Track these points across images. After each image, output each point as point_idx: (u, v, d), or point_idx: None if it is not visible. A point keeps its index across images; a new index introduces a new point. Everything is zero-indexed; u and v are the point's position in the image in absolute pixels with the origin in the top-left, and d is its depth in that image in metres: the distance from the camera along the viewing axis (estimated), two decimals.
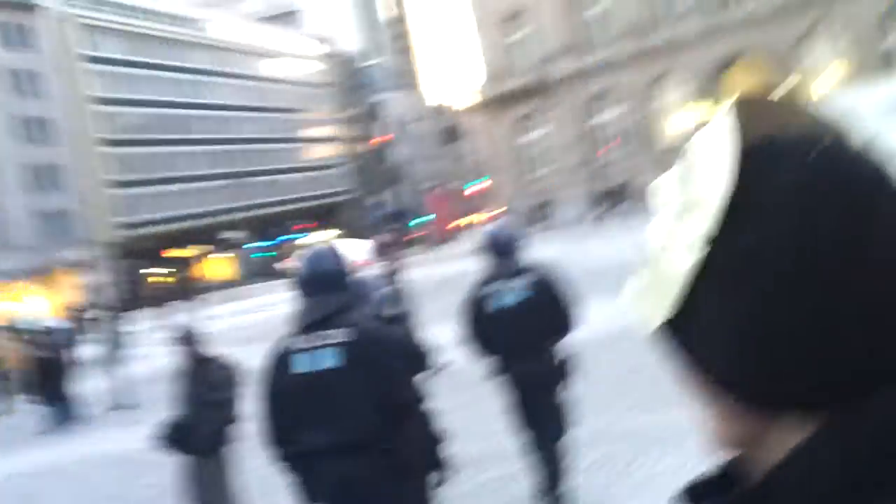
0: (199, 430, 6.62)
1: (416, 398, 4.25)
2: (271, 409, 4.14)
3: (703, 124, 0.72)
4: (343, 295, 4.16)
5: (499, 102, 50.57)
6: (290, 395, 4.07)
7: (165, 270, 71.89)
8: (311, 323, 4.07)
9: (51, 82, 65.29)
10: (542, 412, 6.02)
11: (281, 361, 4.09)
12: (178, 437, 6.72)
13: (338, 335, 4.00)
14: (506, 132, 50.90)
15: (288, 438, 4.10)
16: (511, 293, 5.86)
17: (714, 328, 0.69)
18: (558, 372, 6.00)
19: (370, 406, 3.98)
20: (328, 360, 3.98)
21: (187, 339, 6.83)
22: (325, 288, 4.11)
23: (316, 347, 4.00)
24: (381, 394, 4.00)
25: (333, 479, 4.03)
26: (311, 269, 4.19)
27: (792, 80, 39.57)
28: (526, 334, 5.82)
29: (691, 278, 0.68)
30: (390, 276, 12.12)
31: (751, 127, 0.70)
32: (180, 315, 32.30)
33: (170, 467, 7.24)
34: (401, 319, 10.48)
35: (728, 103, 0.72)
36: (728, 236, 0.67)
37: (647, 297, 0.72)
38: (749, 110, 0.71)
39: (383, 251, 35.28)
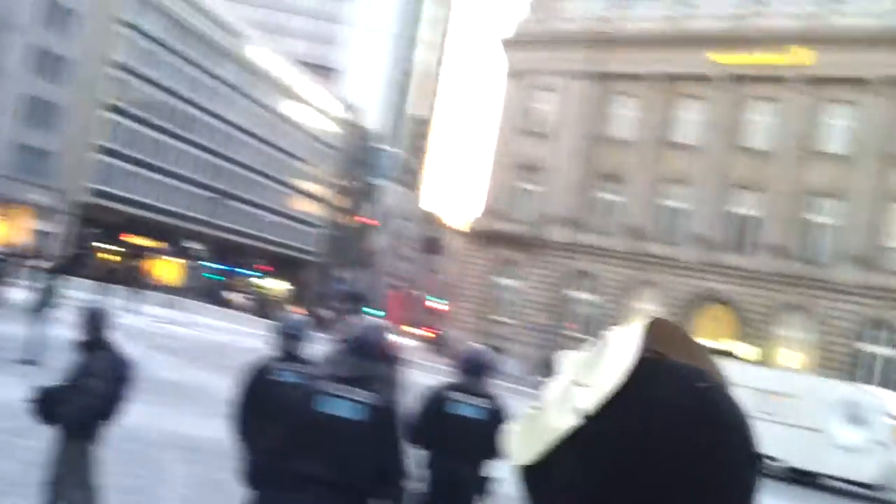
0: (67, 410, 6.61)
1: (405, 472, 4.80)
2: (286, 433, 4.64)
3: (627, 329, 0.86)
4: (378, 365, 4.86)
5: (488, 238, 51.13)
6: (307, 427, 4.57)
7: (116, 250, 70.56)
8: (345, 377, 4.66)
9: (82, 26, 63.89)
10: None
11: (305, 396, 4.66)
12: (46, 409, 6.67)
13: (364, 395, 4.61)
14: (484, 268, 51.17)
15: (280, 459, 4.57)
16: (470, 407, 6.48)
17: (558, 485, 0.80)
18: (483, 486, 6.64)
19: (371, 462, 4.57)
20: (351, 412, 4.56)
21: (95, 320, 6.86)
22: (368, 354, 4.76)
23: (344, 398, 4.58)
24: (385, 458, 4.63)
25: None
26: (365, 334, 4.83)
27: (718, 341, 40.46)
28: (471, 445, 6.42)
29: (561, 437, 0.80)
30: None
31: (657, 345, 0.84)
32: (113, 298, 31.50)
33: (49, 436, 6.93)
34: None
35: (649, 320, 0.86)
36: (603, 418, 0.79)
37: (523, 436, 0.84)
38: (662, 332, 0.86)
39: (321, 326, 34.92)
